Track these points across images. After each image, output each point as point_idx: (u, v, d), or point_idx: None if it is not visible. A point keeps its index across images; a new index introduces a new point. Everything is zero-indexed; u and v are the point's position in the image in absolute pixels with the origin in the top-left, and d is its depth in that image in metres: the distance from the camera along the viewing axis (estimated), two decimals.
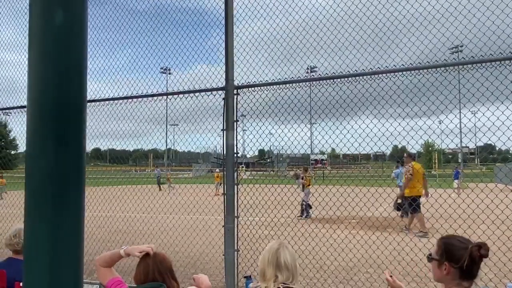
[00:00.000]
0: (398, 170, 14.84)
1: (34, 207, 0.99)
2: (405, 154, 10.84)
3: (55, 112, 0.98)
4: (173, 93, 5.38)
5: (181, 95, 5.39)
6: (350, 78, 4.63)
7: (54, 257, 0.99)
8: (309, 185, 14.48)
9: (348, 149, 5.35)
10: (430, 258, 2.33)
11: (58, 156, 0.98)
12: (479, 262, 2.17)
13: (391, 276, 2.63)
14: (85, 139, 1.04)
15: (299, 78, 4.83)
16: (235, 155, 4.66)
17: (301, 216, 13.74)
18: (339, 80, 4.72)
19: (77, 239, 1.06)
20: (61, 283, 1.01)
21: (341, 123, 5.17)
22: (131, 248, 2.67)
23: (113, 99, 5.83)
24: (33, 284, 1.01)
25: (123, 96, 5.75)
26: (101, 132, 6.57)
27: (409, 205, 9.22)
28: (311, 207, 13.87)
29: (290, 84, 4.87)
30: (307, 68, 5.59)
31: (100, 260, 2.72)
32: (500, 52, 4.11)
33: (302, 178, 15.16)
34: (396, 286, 2.59)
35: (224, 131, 4.70)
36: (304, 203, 14.05)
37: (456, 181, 23.53)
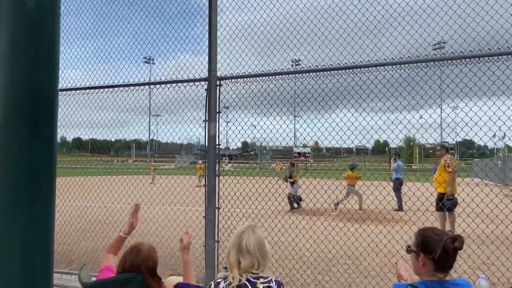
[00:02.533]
0: (399, 162, 14.60)
1: (4, 194, 0.98)
2: (438, 147, 9.64)
3: (25, 100, 0.96)
4: (154, 83, 5.31)
5: (163, 85, 5.33)
6: (333, 72, 4.65)
7: (26, 244, 0.98)
8: (296, 181, 14.27)
9: (329, 142, 5.37)
10: (408, 250, 2.37)
11: (29, 144, 0.97)
12: (453, 254, 2.20)
13: (396, 263, 2.64)
14: (56, 127, 1.03)
15: (282, 70, 4.82)
16: (217, 146, 4.64)
17: (292, 210, 13.50)
18: (322, 73, 4.74)
19: (48, 226, 1.04)
20: (33, 270, 1.00)
21: (322, 116, 5.20)
22: (126, 226, 2.81)
23: (93, 87, 5.74)
24: (6, 271, 1.00)
25: (104, 85, 5.66)
26: (82, 121, 6.47)
27: (443, 204, 8.24)
28: (301, 200, 13.73)
29: (274, 77, 4.86)
30: (292, 61, 5.59)
31: (108, 247, 2.81)
32: (479, 49, 4.18)
33: (291, 175, 14.63)
34: (399, 274, 2.58)
35: (206, 122, 4.67)
36: (291, 196, 13.92)
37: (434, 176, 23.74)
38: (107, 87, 5.62)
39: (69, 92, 5.95)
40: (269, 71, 4.83)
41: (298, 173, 15.63)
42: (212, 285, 2.27)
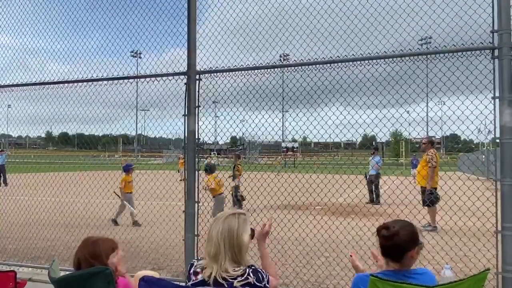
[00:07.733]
0: (377, 158, 14.48)
1: None
2: (423, 140, 9.37)
3: None
4: (133, 77, 5.22)
5: (148, 80, 5.23)
6: (318, 66, 4.62)
7: None
8: (240, 174, 12.58)
9: (314, 137, 5.37)
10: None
11: None
12: (385, 242, 2.29)
13: (351, 256, 2.77)
14: None
15: (266, 64, 4.75)
16: (196, 141, 4.62)
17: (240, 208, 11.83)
18: (307, 67, 4.70)
19: None
20: None
21: (309, 112, 5.18)
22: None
23: (73, 81, 5.62)
24: None
25: (84, 79, 5.55)
26: (67, 116, 6.36)
27: (427, 197, 8.28)
28: (243, 199, 12.28)
29: (260, 71, 4.79)
30: (280, 56, 5.56)
31: None
32: (462, 44, 4.20)
33: (234, 167, 12.96)
34: (354, 265, 2.71)
35: (186, 117, 4.64)
36: (236, 193, 12.41)
37: (413, 170, 22.99)
38: (84, 81, 5.51)
39: (54, 85, 5.83)
40: (248, 65, 4.76)
41: (289, 168, 14.70)
42: (191, 273, 2.22)
